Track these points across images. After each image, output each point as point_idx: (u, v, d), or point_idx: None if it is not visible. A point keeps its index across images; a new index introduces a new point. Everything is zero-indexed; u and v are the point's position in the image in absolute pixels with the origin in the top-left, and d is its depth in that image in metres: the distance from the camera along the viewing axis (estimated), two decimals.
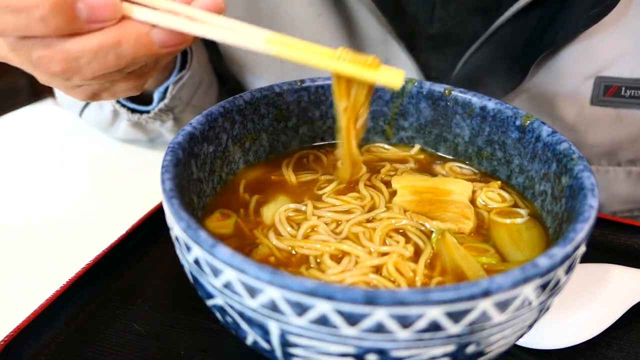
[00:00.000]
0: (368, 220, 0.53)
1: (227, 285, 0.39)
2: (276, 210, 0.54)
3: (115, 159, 0.93)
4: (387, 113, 0.63)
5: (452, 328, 0.37)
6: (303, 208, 0.54)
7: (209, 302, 0.44)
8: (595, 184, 0.46)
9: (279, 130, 0.62)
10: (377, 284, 0.46)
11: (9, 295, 0.66)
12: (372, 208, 0.55)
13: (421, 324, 0.36)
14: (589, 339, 0.56)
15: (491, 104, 0.58)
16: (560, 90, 0.76)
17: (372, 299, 0.35)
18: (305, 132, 0.64)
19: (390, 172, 0.60)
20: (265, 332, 0.40)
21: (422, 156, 0.64)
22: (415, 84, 0.61)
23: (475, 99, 0.59)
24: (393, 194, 0.57)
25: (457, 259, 0.49)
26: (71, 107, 0.94)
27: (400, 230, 0.52)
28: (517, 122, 0.56)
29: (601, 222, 0.70)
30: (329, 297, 0.35)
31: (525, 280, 0.37)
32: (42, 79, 0.53)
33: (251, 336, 0.42)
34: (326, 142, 0.65)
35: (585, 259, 0.45)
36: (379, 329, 0.36)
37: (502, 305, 0.37)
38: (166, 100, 0.81)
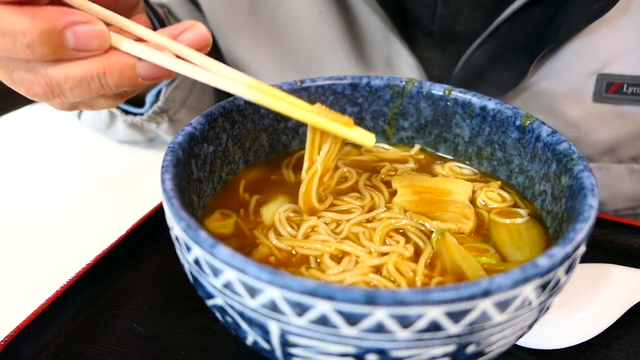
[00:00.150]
0: (368, 220, 0.53)
1: (227, 285, 0.39)
2: (276, 211, 0.54)
3: (115, 159, 0.93)
4: (387, 113, 0.63)
5: (452, 328, 0.37)
6: None
7: (209, 302, 0.44)
8: (595, 184, 0.46)
9: (279, 130, 0.62)
10: (377, 284, 0.46)
11: (9, 295, 0.66)
12: (372, 208, 0.55)
13: (421, 324, 0.36)
14: (589, 339, 0.56)
15: (491, 104, 0.58)
16: (563, 87, 0.76)
17: (372, 299, 0.35)
18: (305, 132, 0.64)
19: (390, 172, 0.60)
20: (265, 332, 0.40)
21: (422, 156, 0.64)
22: (415, 84, 0.61)
23: (475, 99, 0.59)
24: (393, 194, 0.57)
25: (457, 259, 0.49)
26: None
27: (400, 230, 0.52)
28: (517, 122, 0.56)
29: (601, 222, 0.70)
30: (329, 297, 0.35)
31: (525, 280, 0.37)
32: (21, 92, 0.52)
33: (251, 336, 0.42)
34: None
35: (585, 259, 0.45)
36: (379, 329, 0.36)
37: (502, 305, 0.37)
38: (159, 103, 0.81)
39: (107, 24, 0.46)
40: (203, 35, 0.49)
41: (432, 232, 0.52)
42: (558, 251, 0.39)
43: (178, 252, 0.46)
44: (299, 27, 0.81)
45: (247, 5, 0.81)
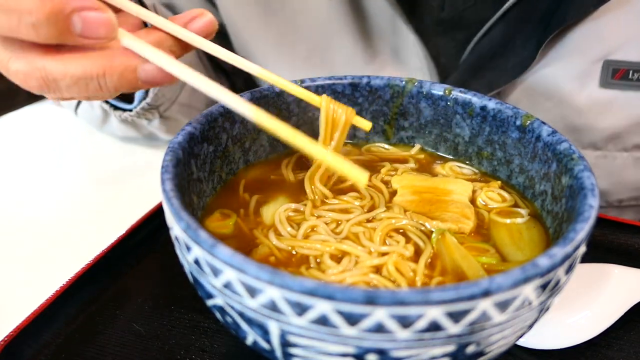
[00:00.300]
0: (368, 220, 0.53)
1: (227, 285, 0.39)
2: (276, 210, 0.54)
3: (115, 159, 0.93)
4: (387, 113, 0.63)
5: (452, 328, 0.37)
6: (302, 208, 0.54)
7: (209, 302, 0.44)
8: (595, 184, 0.46)
9: None
10: (377, 284, 0.46)
11: (9, 295, 0.66)
12: (372, 208, 0.55)
13: (421, 324, 0.36)
14: (589, 339, 0.56)
15: (491, 104, 0.58)
16: (569, 73, 0.76)
17: (372, 299, 0.35)
18: (305, 132, 0.63)
19: (390, 172, 0.60)
20: (265, 332, 0.40)
21: (422, 156, 0.64)
22: (415, 83, 0.61)
23: (476, 99, 0.59)
24: (393, 193, 0.57)
25: (457, 258, 0.48)
26: (66, 104, 0.94)
27: (401, 230, 0.52)
28: (517, 122, 0.56)
29: (601, 222, 0.70)
30: (329, 297, 0.35)
31: (526, 280, 0.37)
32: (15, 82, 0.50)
33: (251, 336, 0.42)
34: None
35: (585, 259, 0.45)
36: (379, 329, 0.36)
37: (502, 305, 0.37)
38: (148, 99, 0.80)
39: (116, 11, 0.45)
40: (211, 21, 0.50)
41: (432, 232, 0.52)
42: (558, 251, 0.39)
43: (178, 252, 0.46)
44: (308, 16, 0.82)
45: None
